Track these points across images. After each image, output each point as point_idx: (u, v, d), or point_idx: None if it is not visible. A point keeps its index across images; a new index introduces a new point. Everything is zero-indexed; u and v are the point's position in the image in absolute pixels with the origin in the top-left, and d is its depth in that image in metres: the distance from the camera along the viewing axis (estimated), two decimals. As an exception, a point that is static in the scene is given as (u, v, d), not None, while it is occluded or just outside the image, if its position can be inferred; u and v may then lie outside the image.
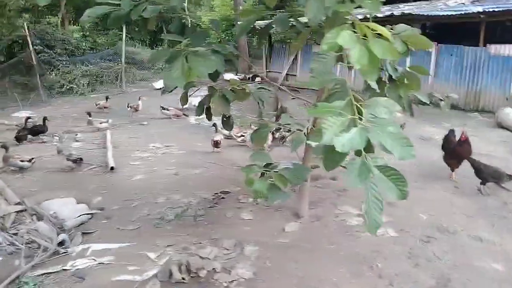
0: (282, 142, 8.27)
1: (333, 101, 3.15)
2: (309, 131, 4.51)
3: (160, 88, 16.46)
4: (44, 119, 8.77)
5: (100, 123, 9.73)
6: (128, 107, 11.13)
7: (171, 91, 4.28)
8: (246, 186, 3.40)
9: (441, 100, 4.66)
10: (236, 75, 19.28)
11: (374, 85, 3.30)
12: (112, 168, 6.68)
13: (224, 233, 4.43)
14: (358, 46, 2.73)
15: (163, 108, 11.30)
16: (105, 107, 11.62)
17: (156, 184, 6.11)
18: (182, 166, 6.94)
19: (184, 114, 11.29)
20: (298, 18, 4.26)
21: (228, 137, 8.93)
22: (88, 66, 16.11)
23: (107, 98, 11.56)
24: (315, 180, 6.07)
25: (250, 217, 4.86)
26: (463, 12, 10.65)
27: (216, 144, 7.98)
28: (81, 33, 20.22)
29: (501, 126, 9.50)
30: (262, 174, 3.55)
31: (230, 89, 4.52)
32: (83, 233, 4.61)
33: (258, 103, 4.94)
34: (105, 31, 20.78)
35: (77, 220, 4.91)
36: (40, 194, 5.68)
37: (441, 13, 10.52)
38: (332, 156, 2.86)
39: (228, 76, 19.32)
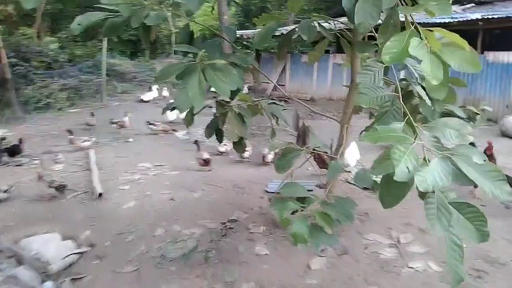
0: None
1: (385, 121, 2.60)
2: (337, 154, 3.97)
3: (148, 101, 15.82)
4: (21, 139, 8.02)
5: (83, 142, 8.97)
6: (112, 123, 10.36)
7: (188, 112, 3.71)
8: (282, 227, 2.80)
9: (476, 113, 4.18)
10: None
11: (429, 101, 2.77)
12: (100, 195, 5.97)
13: (240, 274, 3.81)
14: (429, 56, 2.19)
15: (150, 124, 10.60)
16: (90, 125, 10.70)
17: (151, 212, 5.44)
18: (178, 189, 6.28)
19: (173, 130, 10.62)
20: (322, 24, 3.72)
21: (219, 153, 8.32)
22: (66, 79, 15.23)
23: (92, 114, 10.66)
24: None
25: (266, 251, 4.25)
26: (461, 20, 10.37)
27: (205, 163, 7.41)
28: (58, 44, 19.26)
29: (505, 135, 9.18)
30: (295, 211, 2.97)
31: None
32: (73, 279, 3.92)
33: (273, 119, 4.39)
34: (83, 42, 19.88)
35: (65, 261, 4.21)
36: (18, 230, 4.94)
37: (438, 21, 10.22)
38: (395, 191, 2.33)
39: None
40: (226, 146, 8.17)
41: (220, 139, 4.03)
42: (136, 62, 21.40)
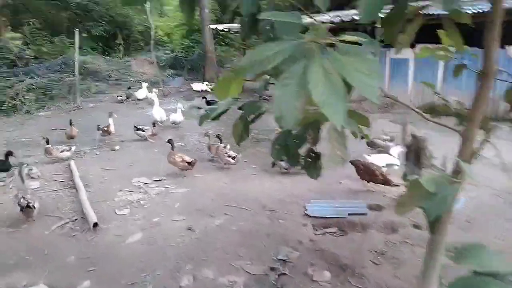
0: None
1: None
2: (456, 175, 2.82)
3: (143, 99, 14.26)
4: (9, 152, 6.56)
5: (61, 152, 7.51)
6: (98, 129, 8.89)
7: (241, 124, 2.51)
8: None
9: None
10: (206, 85, 17.42)
11: None
12: (95, 225, 4.63)
13: None
14: None
15: (138, 129, 9.20)
16: (72, 137, 8.85)
17: (167, 249, 4.18)
18: (194, 214, 5.03)
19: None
20: None
21: (230, 160, 7.11)
22: (34, 78, 13.53)
23: (71, 122, 9.00)
24: (390, 229, 4.41)
25: (347, 312, 3.09)
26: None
27: (189, 165, 6.64)
28: (22, 40, 17.38)
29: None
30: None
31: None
32: None
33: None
34: (51, 37, 18.00)
35: None
36: (-11, 284, 3.58)
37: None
38: None
39: (197, 86, 17.40)
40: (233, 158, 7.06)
41: (294, 162, 2.81)
42: (108, 59, 19.68)
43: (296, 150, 2.67)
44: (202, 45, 19.19)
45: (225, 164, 7.18)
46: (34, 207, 4.82)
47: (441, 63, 11.15)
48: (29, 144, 9.05)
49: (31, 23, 18.41)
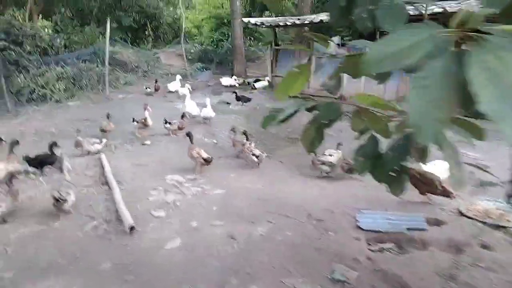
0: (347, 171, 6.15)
1: None
2: None
3: (174, 91, 14.01)
4: (54, 144, 6.23)
5: (92, 145, 7.28)
6: (135, 121, 8.62)
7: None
8: None
9: None
10: (235, 79, 17.06)
11: None
12: (132, 229, 4.33)
13: None
14: None
15: (166, 122, 8.91)
16: (106, 131, 8.39)
17: (208, 260, 3.83)
18: (233, 219, 4.68)
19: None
20: None
21: (255, 159, 6.74)
22: (64, 67, 13.42)
23: (108, 116, 8.53)
24: (454, 248, 3.96)
25: None
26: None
27: (206, 161, 6.35)
28: (53, 28, 17.35)
29: None
30: None
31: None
32: None
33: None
34: (81, 26, 17.92)
35: None
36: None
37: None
38: None
39: (225, 80, 17.06)
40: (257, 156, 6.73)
41: (383, 178, 2.36)
42: (137, 50, 19.51)
43: (396, 165, 2.23)
44: (231, 39, 18.84)
45: (250, 162, 6.86)
46: (66, 200, 4.57)
47: None
48: (58, 135, 8.86)
49: (62, 12, 18.41)
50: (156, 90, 14.14)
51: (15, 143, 6.01)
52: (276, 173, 6.62)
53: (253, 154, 6.79)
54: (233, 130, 7.58)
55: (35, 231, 4.39)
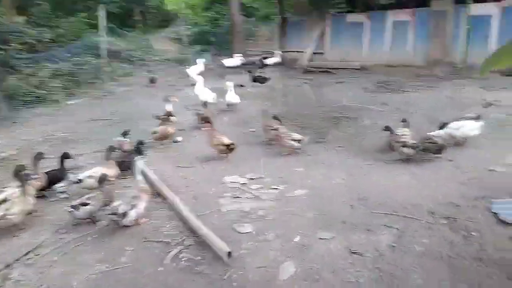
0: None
1: None
2: None
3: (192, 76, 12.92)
4: (65, 156, 5.21)
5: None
6: (158, 118, 7.55)
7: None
8: None
9: None
10: (239, 59, 15.91)
11: None
12: (229, 254, 3.39)
13: None
14: None
15: (198, 113, 7.91)
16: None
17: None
18: (340, 228, 3.80)
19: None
20: None
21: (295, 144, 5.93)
22: (57, 63, 12.15)
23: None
24: None
25: None
26: None
27: (228, 148, 5.96)
28: (35, 22, 15.75)
29: None
30: None
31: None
32: None
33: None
34: (66, 17, 16.36)
35: None
36: None
37: None
38: None
39: (229, 61, 15.91)
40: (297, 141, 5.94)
41: None
42: (127, 39, 18.09)
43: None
44: (229, 16, 17.61)
45: (289, 149, 6.05)
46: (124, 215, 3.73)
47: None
48: (71, 139, 7.78)
49: (40, 3, 16.80)
50: (152, 82, 12.89)
51: (40, 155, 4.99)
52: (345, 162, 5.76)
53: (293, 139, 6.01)
54: (265, 114, 6.76)
55: (101, 271, 3.43)
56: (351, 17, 12.94)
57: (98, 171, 4.86)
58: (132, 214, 4.05)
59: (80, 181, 4.92)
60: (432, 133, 5.80)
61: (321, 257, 3.36)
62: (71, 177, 5.08)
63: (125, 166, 5.34)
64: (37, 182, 4.70)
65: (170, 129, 6.80)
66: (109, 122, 8.92)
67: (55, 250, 3.80)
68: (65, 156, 5.23)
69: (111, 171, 5.02)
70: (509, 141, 5.95)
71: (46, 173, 4.97)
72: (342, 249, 3.45)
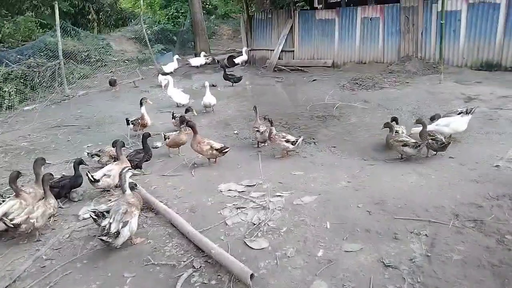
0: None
1: None
2: None
3: (169, 73, 12.43)
4: (79, 162, 4.95)
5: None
6: (129, 123, 6.97)
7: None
8: None
9: None
10: (205, 57, 15.38)
11: None
12: (251, 277, 2.98)
13: None
14: None
15: (174, 117, 7.39)
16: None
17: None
18: (367, 238, 3.49)
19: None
20: None
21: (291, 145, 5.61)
22: (9, 66, 11.11)
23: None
24: None
25: None
26: None
27: (220, 152, 5.58)
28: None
29: None
30: None
31: None
32: None
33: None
34: (12, 17, 15.04)
35: None
36: None
37: None
38: None
39: (195, 60, 15.32)
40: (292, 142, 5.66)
41: None
42: (82, 39, 16.97)
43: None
44: (190, 14, 17.01)
45: (282, 151, 5.70)
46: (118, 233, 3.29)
47: (503, 13, 9.81)
48: (34, 149, 7.05)
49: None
50: (111, 84, 12.08)
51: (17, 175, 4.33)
52: (344, 162, 5.50)
53: (287, 141, 5.66)
54: (266, 118, 6.32)
55: None
56: (320, 14, 12.76)
57: (112, 168, 4.84)
58: (126, 233, 3.56)
59: (97, 181, 4.74)
60: (413, 129, 5.75)
61: (354, 273, 3.02)
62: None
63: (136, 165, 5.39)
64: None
65: (183, 137, 6.14)
66: (75, 129, 8.19)
67: (38, 283, 3.24)
68: (79, 163, 4.98)
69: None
70: (503, 135, 5.91)
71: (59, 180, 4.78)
72: (374, 262, 3.13)
